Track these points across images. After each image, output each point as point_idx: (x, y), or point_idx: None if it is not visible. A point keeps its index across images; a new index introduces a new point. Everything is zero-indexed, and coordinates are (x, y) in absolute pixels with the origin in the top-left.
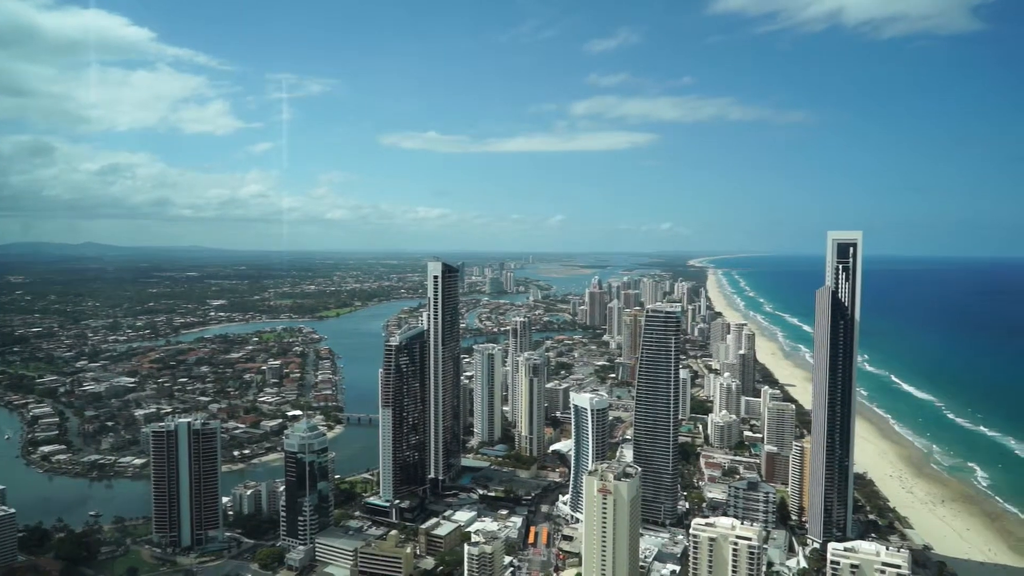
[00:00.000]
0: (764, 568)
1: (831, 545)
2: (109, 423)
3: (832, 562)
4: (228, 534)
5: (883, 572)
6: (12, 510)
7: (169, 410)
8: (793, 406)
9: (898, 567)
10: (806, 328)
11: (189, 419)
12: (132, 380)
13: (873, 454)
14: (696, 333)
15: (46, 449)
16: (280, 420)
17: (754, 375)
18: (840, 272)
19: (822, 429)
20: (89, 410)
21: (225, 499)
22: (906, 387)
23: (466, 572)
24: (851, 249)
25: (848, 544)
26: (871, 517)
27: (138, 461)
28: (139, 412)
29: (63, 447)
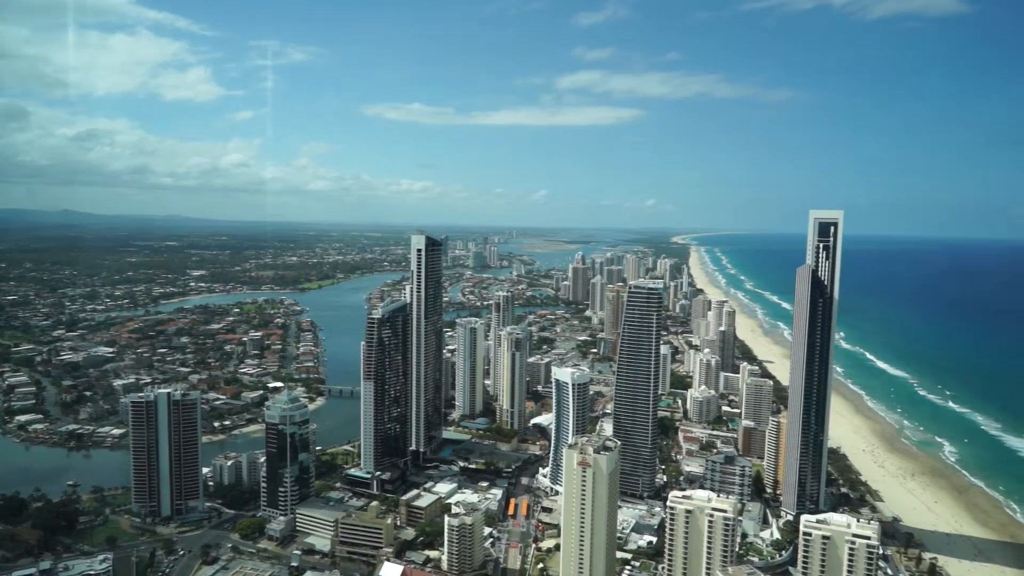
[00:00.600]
0: (739, 539)
1: (804, 517)
2: (87, 393)
3: (804, 533)
4: (208, 504)
5: (853, 543)
6: None
7: (148, 381)
8: (771, 382)
9: (868, 538)
10: (786, 306)
11: (169, 390)
12: (111, 350)
13: (847, 429)
14: (678, 309)
15: (23, 418)
16: (261, 392)
17: (733, 351)
18: (821, 251)
19: (799, 404)
20: (67, 380)
21: (206, 470)
22: (880, 364)
23: (446, 543)
24: (832, 228)
25: (820, 516)
26: (844, 490)
27: (117, 431)
28: (118, 382)
29: (40, 416)
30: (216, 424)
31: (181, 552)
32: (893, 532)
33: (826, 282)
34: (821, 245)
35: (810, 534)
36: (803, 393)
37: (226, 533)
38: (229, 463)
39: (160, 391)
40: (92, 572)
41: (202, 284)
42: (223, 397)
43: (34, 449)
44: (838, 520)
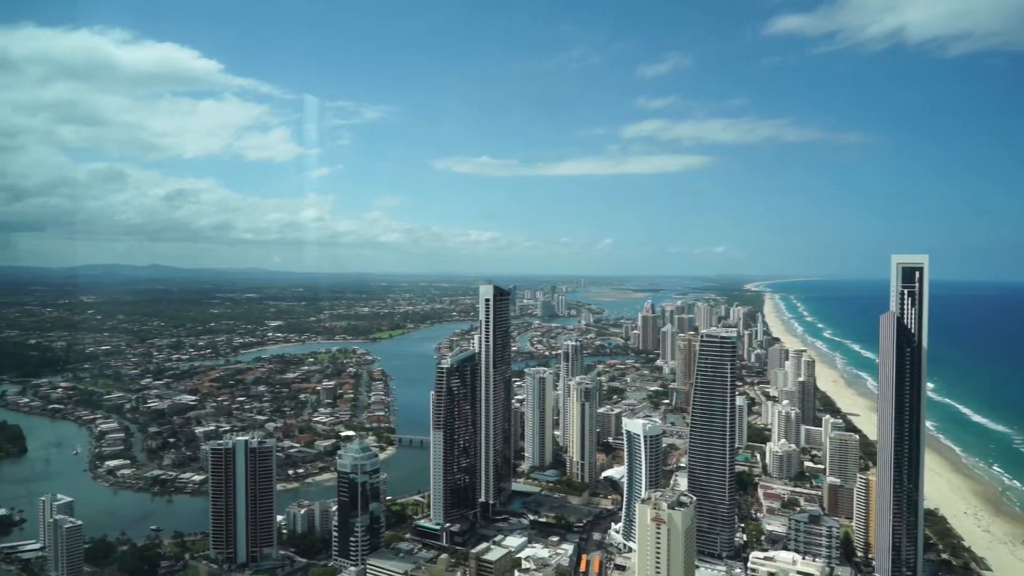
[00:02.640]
0: None
1: None
2: (171, 439)
3: None
4: (282, 552)
5: None
6: (80, 522)
7: (228, 428)
8: (857, 436)
9: None
10: (868, 355)
11: (246, 437)
12: (193, 398)
13: (945, 489)
14: (753, 359)
15: (112, 463)
16: (333, 440)
17: (814, 403)
18: (905, 297)
19: (888, 460)
20: (153, 426)
21: (279, 517)
22: (977, 418)
23: None
24: (917, 273)
25: None
26: (944, 556)
27: (197, 477)
28: (199, 429)
29: (128, 462)
30: (290, 472)
31: None
32: None
33: (913, 330)
34: (906, 291)
35: None
36: (893, 448)
37: None
38: (302, 511)
39: (238, 438)
40: None
41: (279, 334)
42: (297, 445)
43: (121, 493)
44: None
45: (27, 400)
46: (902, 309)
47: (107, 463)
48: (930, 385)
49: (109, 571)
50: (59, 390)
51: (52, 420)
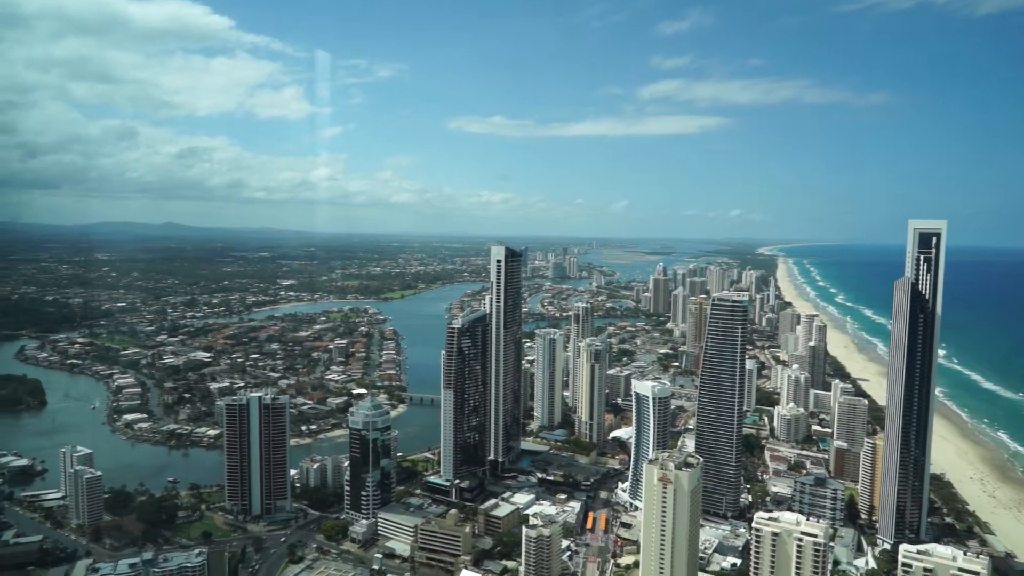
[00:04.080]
0: (830, 566)
1: (903, 547)
2: (186, 395)
3: (904, 564)
4: (295, 505)
5: None
6: (99, 473)
7: (241, 384)
8: (866, 401)
9: (976, 574)
10: (881, 321)
11: (260, 394)
12: (208, 355)
13: (952, 454)
14: (764, 323)
15: (129, 417)
16: (346, 398)
17: (824, 368)
18: (921, 263)
19: (897, 425)
20: (168, 382)
21: (293, 472)
22: (988, 385)
23: (523, 554)
24: (934, 239)
25: (922, 547)
26: (948, 520)
27: (212, 432)
28: (214, 385)
29: (144, 416)
30: (303, 428)
31: (273, 550)
32: (1006, 569)
33: (927, 296)
34: (921, 256)
35: (910, 566)
36: (902, 413)
37: (311, 533)
38: (315, 466)
39: (252, 395)
40: (189, 565)
41: (291, 293)
42: (310, 402)
43: (139, 446)
44: (942, 552)
45: (46, 355)
46: (917, 275)
47: (124, 417)
48: (942, 351)
49: (128, 520)
50: (76, 345)
51: (70, 375)
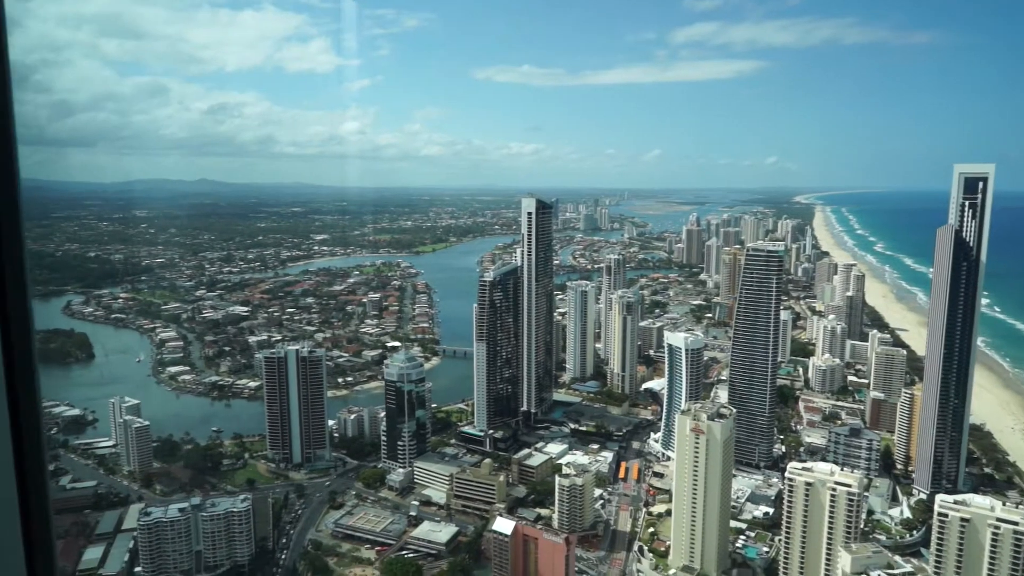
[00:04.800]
0: (864, 516)
1: (939, 497)
2: (226, 348)
3: (940, 514)
4: (334, 454)
5: (998, 528)
6: (147, 423)
7: (279, 338)
8: (904, 352)
9: (1016, 524)
10: (923, 270)
11: (297, 347)
12: (245, 309)
13: (994, 404)
14: (800, 273)
15: (173, 370)
16: (380, 350)
17: (862, 318)
18: (966, 209)
19: (936, 375)
20: (209, 335)
21: (331, 422)
22: None
23: (557, 502)
24: (980, 184)
25: (959, 497)
26: (987, 471)
27: (253, 383)
28: (252, 339)
29: (187, 368)
30: (340, 380)
31: (315, 497)
32: None
33: (971, 243)
34: (967, 203)
35: (946, 515)
36: (942, 363)
37: (350, 481)
38: (352, 417)
39: (289, 348)
40: (235, 510)
41: (324, 247)
42: (346, 355)
43: (183, 398)
44: (980, 502)
45: (91, 310)
46: (962, 221)
47: (168, 369)
48: (985, 300)
49: (176, 467)
50: (120, 300)
51: (115, 328)
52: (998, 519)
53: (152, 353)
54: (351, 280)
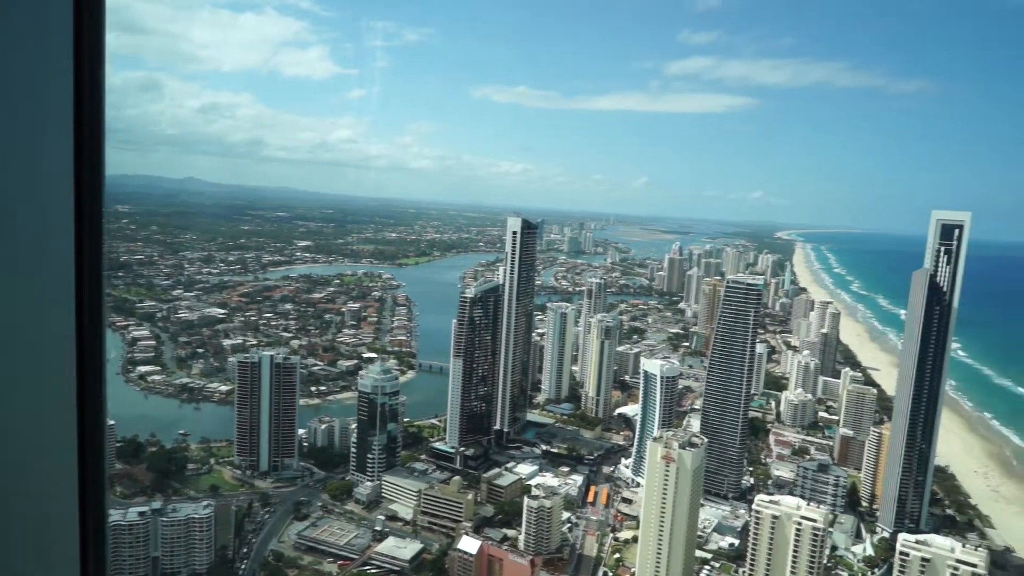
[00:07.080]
0: (827, 551)
1: (902, 536)
2: (200, 350)
3: (901, 553)
4: (302, 464)
5: (956, 569)
6: (112, 422)
7: (254, 342)
8: (875, 391)
9: (974, 566)
10: (897, 311)
11: (272, 353)
12: (222, 311)
13: (958, 448)
14: (777, 307)
15: (143, 369)
16: (356, 361)
17: (835, 355)
18: (942, 255)
19: (904, 415)
20: (182, 336)
21: (301, 431)
22: (1001, 381)
23: (524, 523)
24: (956, 231)
25: (921, 537)
26: (949, 512)
27: (224, 387)
28: (227, 342)
29: (158, 368)
30: (313, 389)
31: (279, 506)
32: (1004, 563)
33: (945, 288)
34: (943, 248)
35: (908, 554)
36: (911, 404)
37: (317, 492)
38: (323, 427)
39: (264, 353)
40: (196, 516)
41: (307, 254)
42: (320, 363)
43: (151, 398)
44: (941, 543)
45: None
46: (937, 266)
47: (138, 368)
48: (956, 345)
49: (139, 469)
50: None
51: None
52: (957, 560)
53: (123, 351)
54: (331, 288)
